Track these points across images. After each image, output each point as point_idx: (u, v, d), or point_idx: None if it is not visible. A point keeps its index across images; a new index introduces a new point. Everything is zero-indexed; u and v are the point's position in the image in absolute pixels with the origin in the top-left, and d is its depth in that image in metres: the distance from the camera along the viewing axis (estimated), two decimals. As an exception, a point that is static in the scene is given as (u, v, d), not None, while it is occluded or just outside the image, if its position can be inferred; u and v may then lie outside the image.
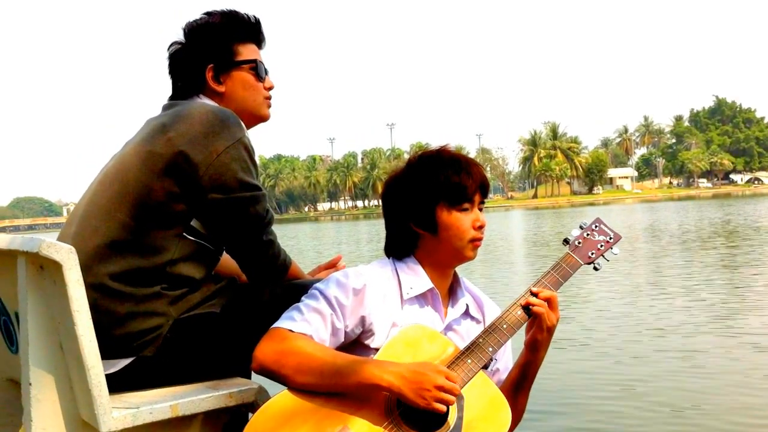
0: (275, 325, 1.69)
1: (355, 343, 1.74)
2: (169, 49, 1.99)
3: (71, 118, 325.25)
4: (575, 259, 1.86)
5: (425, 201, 1.78)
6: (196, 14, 2.00)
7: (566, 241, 1.91)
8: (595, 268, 1.89)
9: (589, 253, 1.88)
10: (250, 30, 2.01)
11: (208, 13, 1.99)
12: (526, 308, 1.74)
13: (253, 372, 1.69)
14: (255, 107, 2.01)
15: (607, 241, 1.91)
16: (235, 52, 1.97)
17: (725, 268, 10.68)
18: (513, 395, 1.79)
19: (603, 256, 1.90)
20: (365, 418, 1.58)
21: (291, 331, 1.66)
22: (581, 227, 1.93)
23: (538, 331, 1.75)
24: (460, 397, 1.63)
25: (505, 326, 1.73)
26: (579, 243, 1.90)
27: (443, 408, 1.55)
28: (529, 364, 1.79)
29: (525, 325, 1.76)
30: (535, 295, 1.75)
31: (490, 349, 1.69)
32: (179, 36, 1.97)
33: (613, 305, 7.76)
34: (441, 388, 1.54)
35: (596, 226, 1.93)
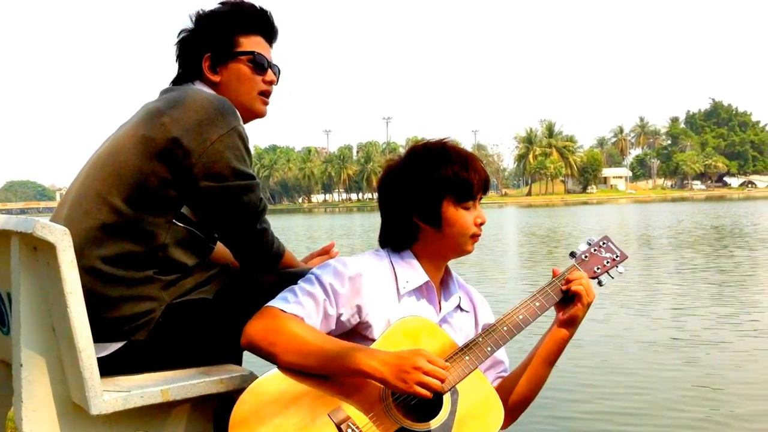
0: (268, 304, 1.69)
1: (353, 333, 1.74)
2: (178, 35, 1.98)
3: (65, 103, 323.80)
4: (580, 272, 1.86)
5: (432, 195, 1.77)
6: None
7: (573, 254, 1.92)
8: (600, 284, 1.91)
9: (595, 268, 1.90)
10: (256, 21, 1.98)
11: (221, 3, 1.97)
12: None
13: (242, 346, 1.67)
14: (248, 101, 1.97)
15: (614, 259, 1.92)
16: (235, 43, 1.94)
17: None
18: (545, 367, 1.84)
19: (608, 273, 1.92)
20: (359, 403, 1.58)
21: (283, 311, 1.66)
22: (589, 243, 1.95)
23: (579, 308, 1.80)
24: (454, 392, 1.64)
25: (505, 328, 1.74)
26: (585, 257, 1.91)
27: (425, 392, 1.52)
28: (563, 339, 1.83)
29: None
30: (567, 281, 1.81)
31: (489, 349, 1.71)
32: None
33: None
34: (420, 370, 1.52)
35: (604, 243, 1.94)
